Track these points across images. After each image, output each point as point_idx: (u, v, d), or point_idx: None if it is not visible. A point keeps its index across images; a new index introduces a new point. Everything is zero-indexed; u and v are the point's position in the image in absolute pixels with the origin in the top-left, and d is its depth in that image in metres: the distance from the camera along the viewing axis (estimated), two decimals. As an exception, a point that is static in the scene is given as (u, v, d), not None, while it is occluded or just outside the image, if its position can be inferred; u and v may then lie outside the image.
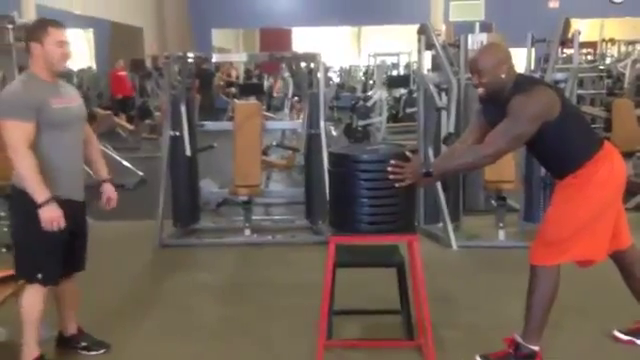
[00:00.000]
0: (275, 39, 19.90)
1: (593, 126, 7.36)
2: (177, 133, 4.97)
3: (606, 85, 8.24)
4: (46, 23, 2.63)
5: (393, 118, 11.57)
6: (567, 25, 4.86)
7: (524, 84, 2.61)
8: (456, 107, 4.89)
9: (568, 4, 16.47)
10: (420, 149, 5.04)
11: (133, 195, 6.89)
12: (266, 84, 14.13)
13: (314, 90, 5.17)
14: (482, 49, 3.07)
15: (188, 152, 4.96)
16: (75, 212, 2.75)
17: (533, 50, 5.51)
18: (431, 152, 4.94)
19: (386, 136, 10.23)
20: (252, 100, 10.06)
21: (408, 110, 11.22)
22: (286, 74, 12.28)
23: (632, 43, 12.57)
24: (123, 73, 12.25)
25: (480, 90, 2.67)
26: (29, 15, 8.73)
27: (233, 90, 14.87)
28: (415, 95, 9.51)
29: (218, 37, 19.28)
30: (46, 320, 3.11)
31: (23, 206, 2.57)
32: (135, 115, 11.78)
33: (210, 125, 5.82)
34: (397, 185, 2.55)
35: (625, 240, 2.80)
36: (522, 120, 2.52)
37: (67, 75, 12.27)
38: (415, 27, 5.37)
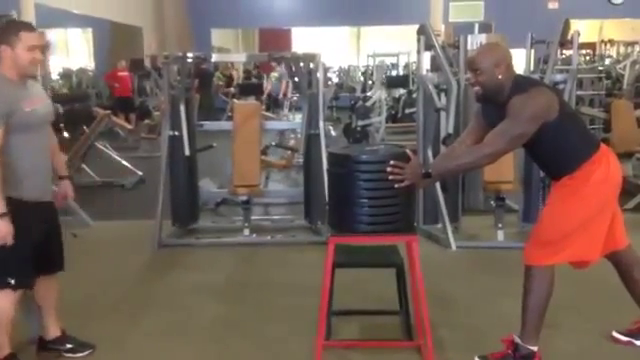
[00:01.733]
0: (274, 39, 19.89)
1: (592, 127, 7.42)
2: (176, 133, 4.96)
3: (605, 86, 8.25)
4: (18, 26, 2.61)
5: (392, 118, 11.58)
6: (567, 26, 4.86)
7: (523, 85, 2.61)
8: (455, 108, 4.89)
9: (567, 5, 16.48)
10: (419, 150, 5.04)
11: (132, 195, 6.90)
12: (265, 84, 14.15)
13: (313, 90, 5.17)
14: (480, 48, 3.08)
15: (187, 152, 4.96)
16: (47, 213, 2.74)
17: (532, 51, 5.51)
18: (430, 153, 4.94)
19: (385, 136, 10.23)
20: (251, 100, 10.07)
21: (407, 110, 11.23)
22: (276, 74, 12.32)
23: (631, 44, 12.59)
24: (125, 73, 12.23)
25: (476, 89, 2.67)
26: (28, 14, 8.71)
27: (232, 90, 14.88)
28: (414, 95, 9.53)
29: (217, 37, 19.26)
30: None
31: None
32: (134, 115, 11.78)
33: (209, 125, 5.81)
34: (396, 186, 2.55)
35: (621, 241, 2.80)
36: (521, 120, 2.52)
37: (67, 74, 12.31)
38: (414, 27, 5.38)
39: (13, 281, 2.62)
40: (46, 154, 2.75)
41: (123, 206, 6.34)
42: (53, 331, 2.96)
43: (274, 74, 12.26)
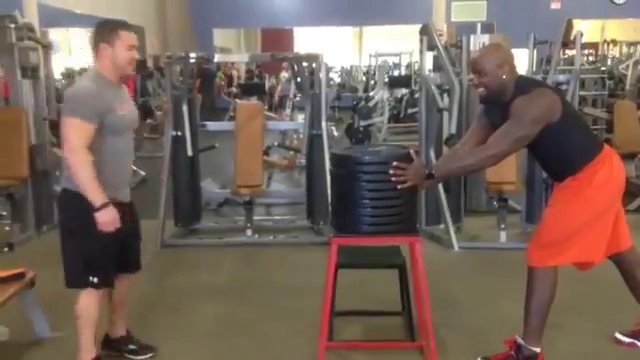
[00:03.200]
0: (276, 39, 19.89)
1: (595, 127, 7.40)
2: (179, 133, 4.97)
3: (608, 86, 8.24)
4: (117, 25, 2.61)
5: (395, 118, 11.57)
6: (569, 27, 4.86)
7: (526, 86, 2.61)
8: (458, 108, 4.88)
9: (570, 5, 16.44)
10: (422, 150, 5.04)
11: (134, 195, 6.88)
12: (267, 84, 14.15)
13: (316, 90, 5.17)
14: (484, 49, 3.07)
15: (190, 152, 4.96)
16: (129, 214, 2.76)
17: (535, 51, 5.50)
18: (433, 153, 4.94)
19: (387, 136, 10.23)
20: (253, 100, 10.06)
21: (410, 110, 11.22)
22: (286, 74, 12.33)
23: (634, 44, 12.56)
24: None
25: (480, 90, 2.67)
26: (31, 14, 8.72)
27: (234, 90, 14.89)
28: (417, 95, 9.52)
29: (219, 37, 19.26)
30: (46, 320, 3.12)
31: (76, 209, 2.53)
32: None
33: (212, 125, 5.82)
34: (399, 187, 2.55)
35: (624, 242, 2.80)
36: (525, 122, 2.52)
37: (70, 75, 12.30)
38: (417, 27, 5.37)
39: (96, 280, 2.62)
40: (129, 158, 2.78)
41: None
42: (120, 330, 2.96)
43: (284, 74, 12.25)
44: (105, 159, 2.56)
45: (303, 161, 6.09)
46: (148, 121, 11.30)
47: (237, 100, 12.00)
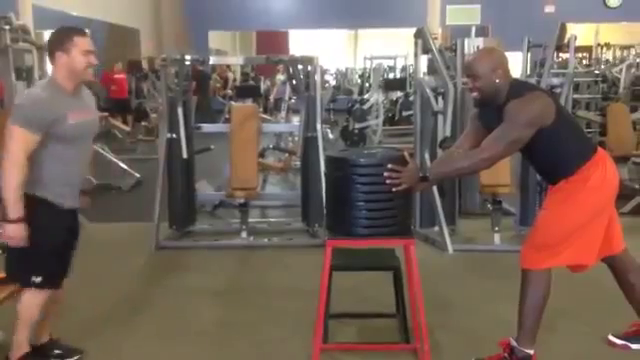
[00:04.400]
0: (272, 41, 19.90)
1: (588, 130, 7.44)
2: (174, 135, 4.97)
3: (601, 90, 8.28)
4: (71, 32, 2.58)
5: (389, 121, 11.59)
6: (563, 30, 4.89)
7: (520, 89, 2.63)
8: (452, 111, 4.91)
9: (564, 8, 16.51)
10: (417, 153, 5.06)
11: (129, 197, 6.89)
12: (262, 86, 14.14)
13: (311, 93, 5.18)
14: (477, 53, 3.09)
15: (185, 154, 4.96)
16: (70, 221, 2.74)
17: (529, 55, 5.53)
18: (427, 156, 4.95)
19: (382, 139, 10.25)
20: (248, 102, 10.07)
21: (404, 113, 11.24)
22: (281, 77, 12.33)
23: (627, 48, 12.63)
24: (121, 75, 12.20)
25: (474, 94, 2.68)
26: (26, 16, 8.71)
27: (229, 92, 14.88)
28: (411, 98, 9.55)
29: (215, 39, 19.26)
30: None
31: (29, 211, 2.51)
32: (131, 117, 11.76)
33: (207, 127, 5.82)
34: (394, 189, 2.56)
35: (617, 245, 2.81)
36: (518, 125, 2.54)
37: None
38: (411, 30, 5.39)
39: (39, 279, 2.60)
40: (82, 166, 2.74)
41: (120, 208, 6.34)
42: (44, 336, 2.90)
43: (279, 77, 12.24)
44: (52, 166, 2.55)
45: (298, 163, 6.10)
46: (143, 123, 11.30)
47: (232, 102, 12.01)
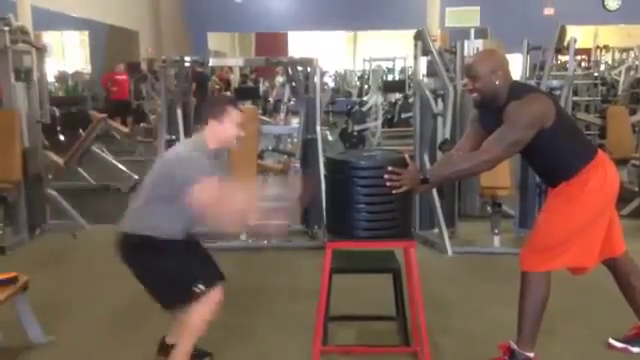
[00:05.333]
0: (271, 43, 19.92)
1: (588, 133, 7.44)
2: (173, 137, 4.96)
3: (600, 92, 8.29)
4: (226, 104, 2.74)
5: (389, 123, 11.60)
6: (563, 33, 4.89)
7: (519, 91, 2.63)
8: (452, 113, 4.91)
9: (563, 11, 16.54)
10: (416, 155, 5.05)
11: (128, 198, 6.87)
12: (262, 88, 14.15)
13: (310, 95, 5.18)
14: (478, 54, 3.09)
15: (184, 156, 4.94)
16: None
17: (529, 57, 5.54)
18: (427, 158, 4.95)
19: (381, 141, 10.25)
20: (248, 104, 10.06)
21: (403, 115, 11.25)
22: (280, 79, 12.36)
23: (626, 50, 12.64)
24: (123, 76, 12.20)
25: (474, 95, 2.68)
26: (25, 17, 8.69)
27: (229, 94, 14.87)
28: (410, 100, 9.55)
29: (214, 40, 19.27)
30: (40, 325, 3.11)
31: (152, 248, 2.64)
32: (131, 118, 11.76)
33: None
34: (394, 192, 2.55)
35: (618, 247, 2.81)
36: (518, 126, 2.54)
37: (63, 77, 12.30)
38: (411, 32, 5.39)
39: (200, 286, 2.67)
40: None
41: (119, 210, 6.31)
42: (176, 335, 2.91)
43: (279, 79, 12.26)
44: (173, 220, 2.65)
45: (297, 165, 6.09)
46: (142, 125, 11.28)
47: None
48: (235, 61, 12.71)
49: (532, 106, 2.55)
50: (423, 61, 5.41)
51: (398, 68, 16.16)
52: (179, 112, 4.93)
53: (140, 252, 2.72)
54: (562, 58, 9.20)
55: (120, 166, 7.58)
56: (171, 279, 2.70)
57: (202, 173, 2.55)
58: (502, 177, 4.62)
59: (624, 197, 4.10)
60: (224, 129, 2.68)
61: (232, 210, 2.54)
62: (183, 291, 2.65)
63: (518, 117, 2.53)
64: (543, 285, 2.68)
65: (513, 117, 2.53)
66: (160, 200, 2.66)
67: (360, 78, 16.48)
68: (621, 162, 5.53)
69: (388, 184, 2.54)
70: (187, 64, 5.21)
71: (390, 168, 2.54)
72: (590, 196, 2.62)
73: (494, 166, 2.67)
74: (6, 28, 4.86)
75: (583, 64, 13.29)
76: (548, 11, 16.69)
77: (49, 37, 12.46)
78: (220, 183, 2.54)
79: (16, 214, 4.93)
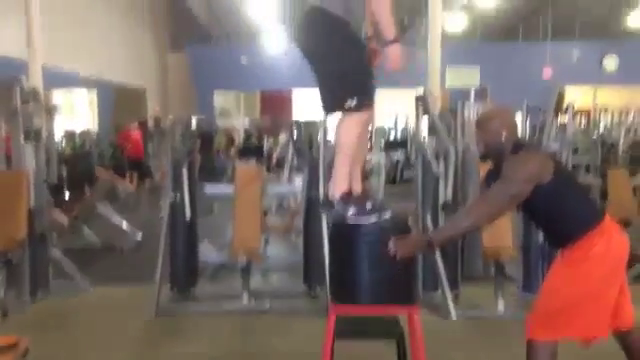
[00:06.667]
0: (276, 100, 20.24)
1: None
2: (177, 196, 5.00)
3: (600, 153, 8.37)
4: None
5: (391, 181, 11.67)
6: (561, 97, 5.00)
7: (520, 148, 2.72)
8: (454, 174, 4.95)
9: (561, 71, 16.87)
10: (419, 216, 5.07)
11: (131, 257, 6.86)
12: (266, 145, 14.29)
13: (314, 154, 5.24)
14: (490, 110, 3.21)
15: (188, 215, 4.98)
16: None
17: (528, 118, 5.64)
18: (429, 219, 4.96)
19: (384, 200, 10.26)
20: (252, 162, 10.17)
21: (405, 174, 11.34)
22: (283, 137, 12.51)
23: (625, 111, 12.80)
24: (137, 134, 12.40)
25: (480, 147, 2.80)
26: (36, 77, 8.90)
27: (233, 151, 15.03)
28: (412, 159, 9.64)
29: (220, 97, 19.64)
30: None
31: None
32: (136, 175, 11.86)
33: (210, 188, 5.86)
34: (398, 257, 2.56)
35: (627, 319, 2.72)
36: (516, 181, 2.59)
37: (71, 135, 12.46)
38: (412, 91, 5.50)
39: None
40: None
41: (122, 269, 6.32)
42: None
43: (282, 137, 12.43)
44: None
45: (300, 224, 6.10)
46: (147, 182, 11.38)
47: (237, 161, 12.12)
48: (241, 121, 12.94)
49: (528, 161, 2.62)
50: (424, 120, 5.49)
51: (400, 126, 16.36)
52: (184, 171, 4.99)
53: None
54: (562, 117, 9.31)
55: (124, 224, 7.60)
56: None
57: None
58: (505, 237, 4.62)
59: (628, 262, 4.08)
60: None
61: None
62: None
63: (515, 171, 2.59)
64: (549, 355, 2.63)
65: (510, 171, 2.60)
66: None
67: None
68: (623, 224, 5.52)
69: (391, 250, 2.55)
70: (193, 124, 5.30)
71: (393, 237, 2.57)
72: (595, 264, 2.59)
73: (493, 220, 2.70)
74: (18, 89, 4.98)
75: (583, 123, 13.43)
76: (547, 71, 17.03)
77: (59, 95, 12.73)
78: None
79: (19, 275, 4.90)
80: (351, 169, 2.69)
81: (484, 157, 2.84)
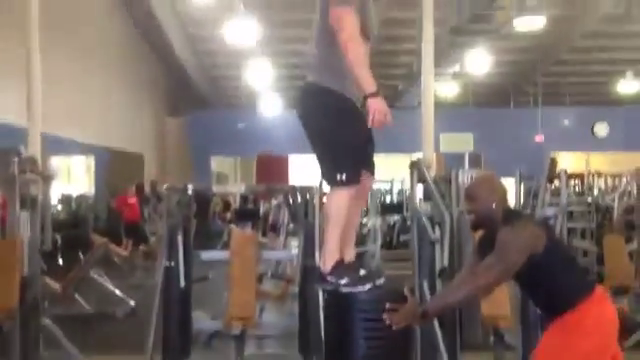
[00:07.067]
0: (272, 165, 20.37)
1: (585, 260, 7.43)
2: (172, 263, 4.96)
3: (595, 218, 8.39)
4: None
5: (387, 245, 11.61)
6: (554, 164, 5.07)
7: (512, 217, 2.72)
8: (450, 241, 4.95)
9: (554, 138, 17.13)
10: (415, 283, 5.03)
11: (124, 325, 6.74)
12: (262, 209, 14.31)
13: (309, 220, 5.24)
14: (477, 179, 3.24)
15: (183, 283, 4.93)
16: None
17: (522, 184, 5.69)
18: (426, 286, 4.92)
19: (381, 264, 10.20)
20: (248, 227, 10.16)
21: (402, 237, 11.30)
22: (275, 201, 12.59)
23: (617, 176, 12.91)
24: (134, 200, 12.44)
25: (471, 216, 2.79)
26: (34, 144, 8.99)
27: (229, 215, 15.05)
28: (409, 223, 9.64)
29: (216, 161, 19.81)
30: None
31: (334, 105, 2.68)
32: (131, 240, 11.80)
33: (205, 254, 5.82)
34: (394, 328, 2.54)
35: None
36: (510, 252, 2.59)
37: (67, 200, 12.49)
38: (407, 156, 5.56)
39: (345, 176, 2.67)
40: None
41: (114, 337, 6.20)
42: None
43: (274, 202, 12.49)
44: None
45: (296, 290, 6.04)
46: (141, 247, 11.32)
47: (232, 226, 12.11)
48: (237, 188, 13.06)
49: (522, 232, 2.62)
50: (419, 188, 5.54)
51: (395, 190, 16.44)
52: (179, 238, 4.97)
53: None
54: (556, 182, 9.39)
55: (117, 292, 7.51)
56: None
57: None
58: (503, 305, 4.57)
59: (627, 328, 4.04)
60: None
61: None
62: None
63: (509, 242, 2.59)
64: None
65: (504, 243, 2.60)
66: None
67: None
68: (621, 291, 5.50)
69: (387, 322, 2.53)
70: (190, 192, 5.33)
71: (388, 305, 2.55)
72: (584, 338, 2.56)
73: (490, 292, 2.70)
74: (16, 159, 5.01)
75: (576, 188, 13.52)
76: (539, 137, 17.31)
77: (56, 161, 12.83)
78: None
79: (9, 344, 4.79)
80: (345, 234, 2.71)
81: (475, 227, 2.83)
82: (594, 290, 2.67)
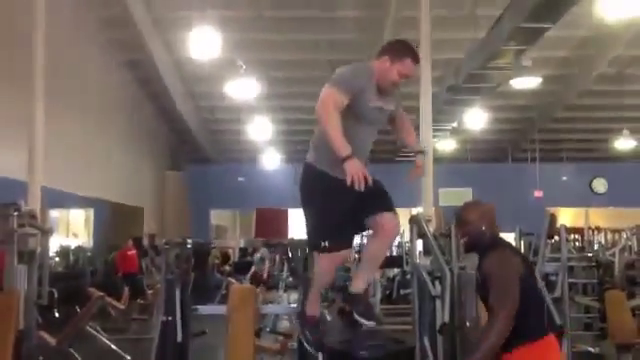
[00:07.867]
0: (271, 218, 20.33)
1: (588, 316, 7.32)
2: (169, 318, 4.90)
3: (597, 274, 8.33)
4: (409, 52, 2.95)
5: (387, 299, 11.48)
6: (553, 221, 5.08)
7: (495, 244, 2.83)
8: (450, 296, 4.90)
9: (553, 194, 17.17)
10: (416, 338, 4.95)
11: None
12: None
13: (308, 274, 5.21)
14: (468, 203, 3.31)
15: (180, 338, 4.86)
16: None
17: (522, 241, 5.68)
18: (427, 341, 4.85)
19: (380, 317, 10.04)
20: (247, 281, 10.07)
21: (402, 291, 11.18)
22: (258, 254, 12.55)
23: (618, 231, 12.90)
24: (133, 252, 12.40)
25: (464, 240, 2.94)
26: (35, 198, 9.01)
27: (227, 268, 14.95)
28: (408, 276, 9.55)
29: (216, 214, 19.78)
30: None
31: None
32: (127, 293, 11.67)
33: (203, 309, 5.75)
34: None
35: None
36: (510, 277, 2.66)
37: (65, 252, 12.42)
38: (406, 210, 5.57)
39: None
40: (363, 151, 3.06)
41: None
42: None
43: (257, 255, 12.56)
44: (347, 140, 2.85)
45: (295, 344, 5.93)
46: (138, 301, 11.16)
47: (230, 279, 12.01)
48: (236, 242, 13.05)
49: (510, 259, 2.75)
50: (419, 242, 5.52)
51: (395, 243, 16.36)
52: (177, 293, 4.93)
53: None
54: (556, 237, 9.37)
55: (113, 346, 7.38)
56: None
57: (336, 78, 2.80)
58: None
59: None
60: (389, 71, 2.89)
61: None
62: None
63: (503, 270, 2.67)
64: None
65: (499, 272, 2.68)
66: None
67: (358, 252, 16.57)
68: (625, 348, 5.41)
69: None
70: (189, 246, 5.32)
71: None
72: None
73: (511, 325, 2.65)
74: (15, 213, 5.02)
75: (577, 243, 13.47)
76: (538, 193, 17.35)
77: (55, 213, 12.83)
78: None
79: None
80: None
81: (468, 249, 2.97)
82: (546, 336, 2.66)
